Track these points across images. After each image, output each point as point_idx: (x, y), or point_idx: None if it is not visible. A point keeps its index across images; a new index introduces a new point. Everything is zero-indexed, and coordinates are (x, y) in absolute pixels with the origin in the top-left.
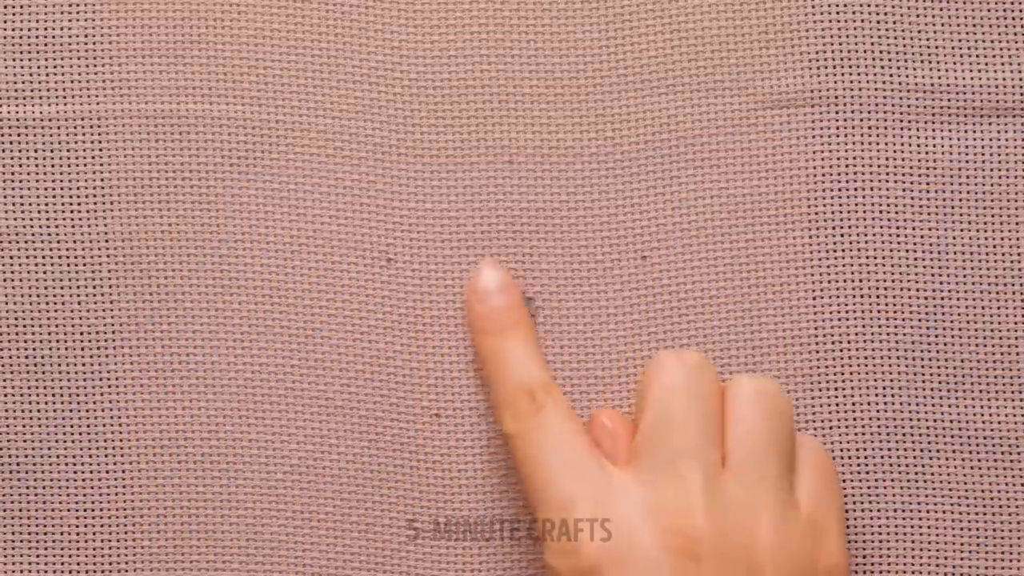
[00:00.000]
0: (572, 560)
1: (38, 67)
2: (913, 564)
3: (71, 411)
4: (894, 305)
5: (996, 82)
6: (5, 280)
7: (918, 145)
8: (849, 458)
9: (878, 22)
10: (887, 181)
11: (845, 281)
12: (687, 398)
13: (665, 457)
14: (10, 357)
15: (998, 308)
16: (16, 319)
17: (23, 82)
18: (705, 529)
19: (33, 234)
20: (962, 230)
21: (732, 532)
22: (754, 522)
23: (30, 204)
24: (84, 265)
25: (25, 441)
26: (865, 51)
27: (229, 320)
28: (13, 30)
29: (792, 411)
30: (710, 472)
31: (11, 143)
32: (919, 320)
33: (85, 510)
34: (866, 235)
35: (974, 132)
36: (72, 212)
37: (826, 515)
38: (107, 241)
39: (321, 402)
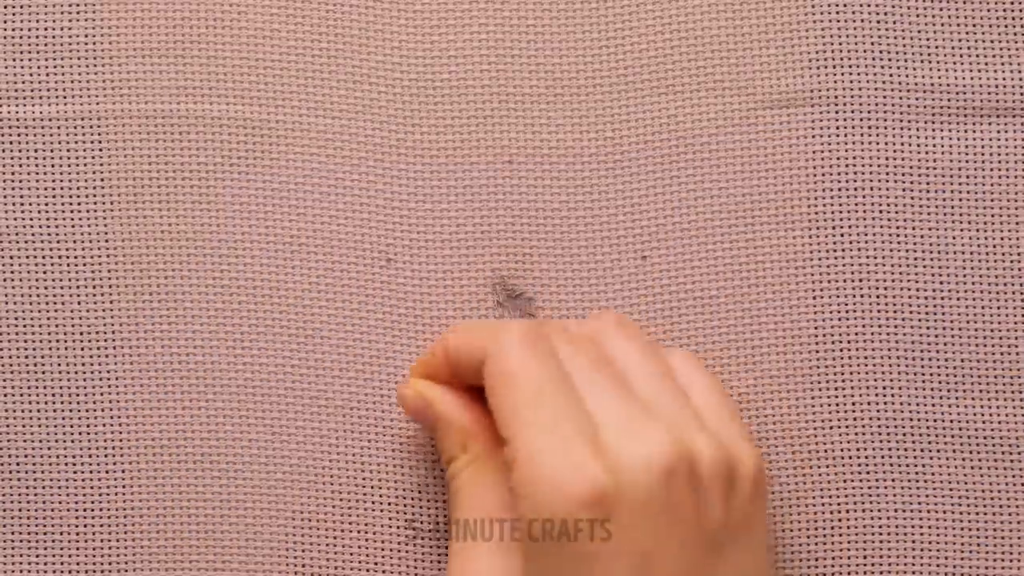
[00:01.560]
0: (571, 508)
1: (38, 67)
2: (913, 564)
3: (71, 411)
4: (894, 305)
5: (996, 82)
6: (5, 280)
7: (918, 145)
8: (849, 458)
9: (878, 22)
10: (887, 181)
11: (845, 281)
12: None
13: (606, 398)
14: (10, 357)
15: (998, 308)
16: (16, 319)
17: (23, 82)
18: (671, 448)
19: (33, 234)
20: (962, 230)
21: (688, 448)
22: (694, 436)
23: (30, 204)
24: (84, 265)
25: (25, 441)
26: (865, 51)
27: (229, 320)
28: (13, 30)
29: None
30: (639, 403)
31: (11, 143)
32: (919, 320)
33: (85, 510)
34: (866, 235)
35: (974, 132)
36: (72, 212)
37: (730, 421)
38: (107, 241)
39: (321, 402)
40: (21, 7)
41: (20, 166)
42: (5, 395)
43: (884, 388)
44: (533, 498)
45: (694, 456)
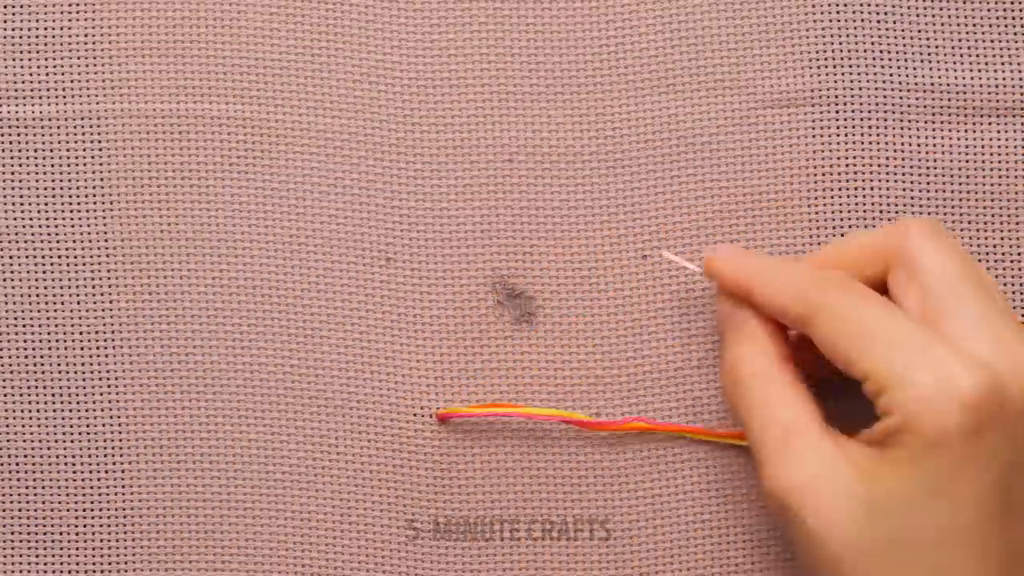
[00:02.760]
0: (951, 415)
1: (38, 67)
2: None
3: (71, 411)
4: None
5: (996, 82)
6: (5, 280)
7: (918, 145)
8: None
9: (878, 21)
10: (887, 181)
11: None
12: (961, 258)
13: (976, 312)
14: (10, 357)
15: None
16: (16, 319)
17: (23, 82)
18: None
19: (33, 234)
20: (962, 230)
21: None
22: None
23: (30, 204)
24: (84, 265)
25: (25, 441)
26: (865, 50)
27: (229, 320)
28: (13, 30)
29: None
30: (1008, 319)
31: (11, 143)
32: None
33: (85, 510)
34: None
35: (974, 132)
36: (72, 212)
37: None
38: (107, 241)
39: (321, 402)
40: (21, 7)
41: (20, 166)
42: (5, 395)
43: None
44: (916, 390)
45: None
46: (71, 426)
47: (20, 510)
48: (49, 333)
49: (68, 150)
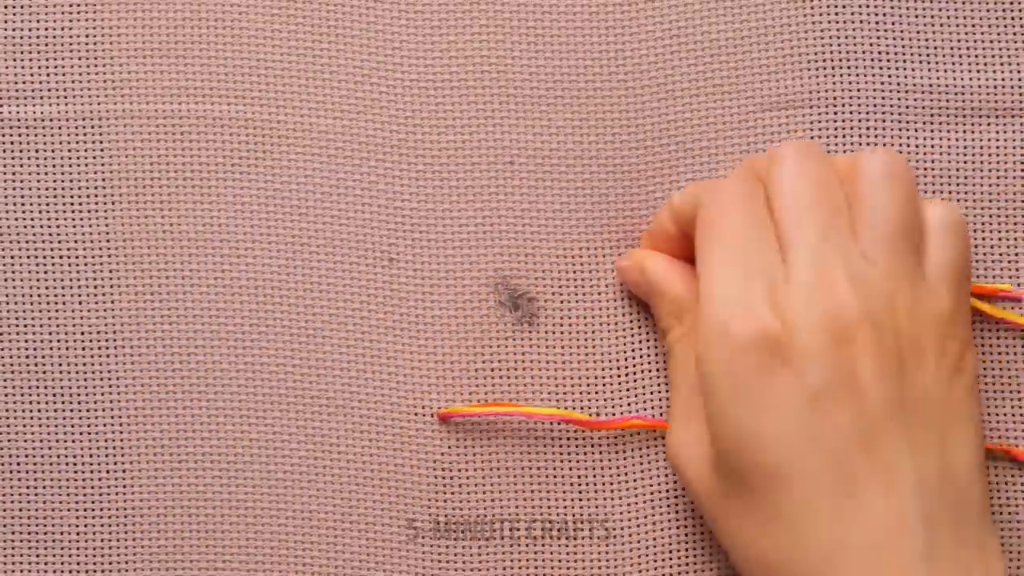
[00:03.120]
0: (725, 354)
1: (38, 67)
2: None
3: (71, 411)
4: None
5: (995, 82)
6: (7, 280)
7: (917, 146)
8: None
9: (876, 23)
10: None
11: None
12: (814, 187)
13: (805, 247)
14: (10, 357)
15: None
16: (18, 319)
17: (23, 82)
18: (856, 311)
19: (34, 234)
20: None
21: (878, 316)
22: (893, 307)
23: (31, 204)
24: (85, 265)
25: (25, 441)
26: (863, 52)
27: (229, 320)
28: (13, 30)
29: (915, 181)
30: (850, 258)
31: (12, 143)
32: None
33: (85, 510)
34: None
35: (973, 132)
36: (73, 212)
37: (956, 297)
38: (108, 241)
39: (321, 402)
40: (21, 7)
41: (21, 166)
42: (5, 395)
43: None
44: (706, 336)
45: (882, 326)
46: (72, 426)
47: (20, 510)
48: (51, 333)
49: (70, 151)
